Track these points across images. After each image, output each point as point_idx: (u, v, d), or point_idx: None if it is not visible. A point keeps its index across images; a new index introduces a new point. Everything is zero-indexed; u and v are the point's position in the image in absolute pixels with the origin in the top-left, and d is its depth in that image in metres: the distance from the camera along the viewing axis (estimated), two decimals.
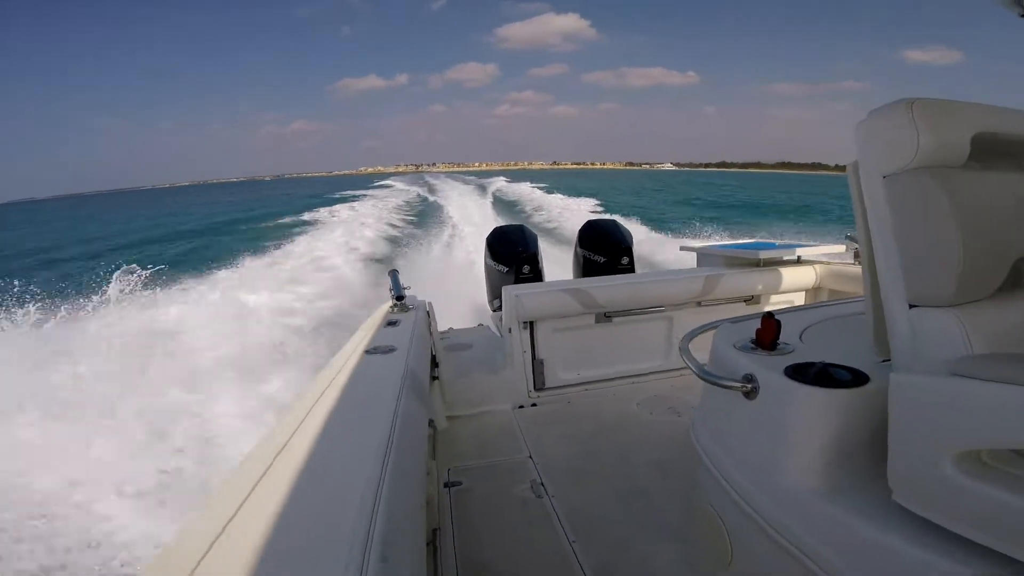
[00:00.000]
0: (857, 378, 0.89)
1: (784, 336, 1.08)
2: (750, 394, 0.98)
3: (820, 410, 0.88)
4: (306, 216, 19.41)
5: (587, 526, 1.50)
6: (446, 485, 1.73)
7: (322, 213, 19.76)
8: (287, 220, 19.42)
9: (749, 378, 0.99)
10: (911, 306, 0.82)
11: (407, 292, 2.17)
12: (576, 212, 17.04)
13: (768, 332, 1.06)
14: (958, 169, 0.82)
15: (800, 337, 1.17)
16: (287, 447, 0.84)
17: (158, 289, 6.45)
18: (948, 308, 0.78)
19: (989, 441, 0.65)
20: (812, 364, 0.93)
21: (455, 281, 6.68)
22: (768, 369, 0.97)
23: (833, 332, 1.24)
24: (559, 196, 23.09)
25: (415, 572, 0.68)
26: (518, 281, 2.91)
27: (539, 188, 28.05)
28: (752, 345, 1.09)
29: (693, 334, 1.30)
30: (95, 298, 5.98)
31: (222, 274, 8.36)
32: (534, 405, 2.39)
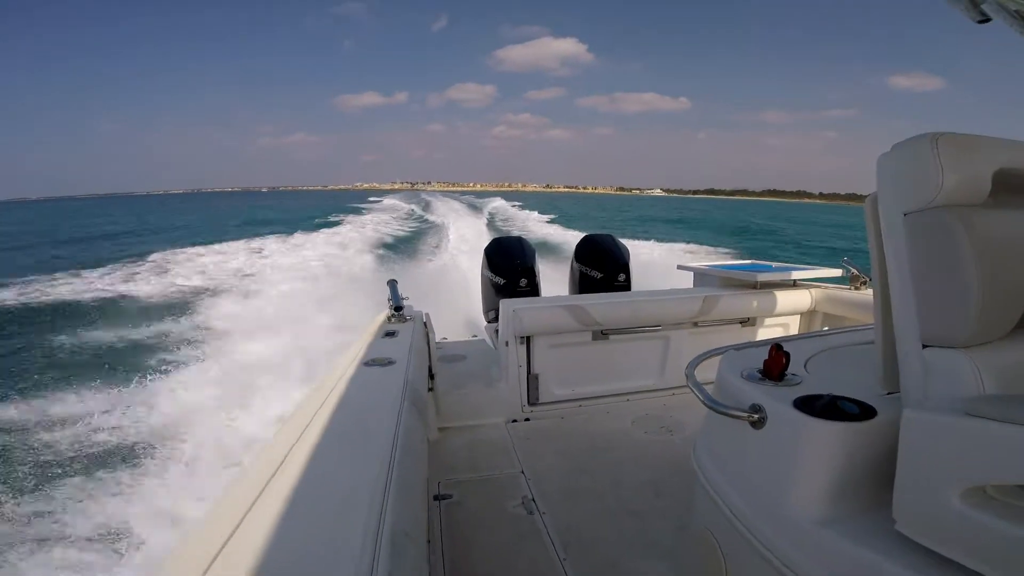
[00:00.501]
0: (865, 411, 0.89)
1: (789, 365, 1.09)
2: (757, 424, 0.98)
3: (828, 442, 0.88)
4: (330, 219, 26.11)
5: (578, 544, 1.52)
6: (436, 498, 1.75)
7: (339, 217, 26.62)
8: (318, 220, 25.90)
9: (757, 408, 0.99)
10: (925, 346, 0.83)
11: (405, 303, 2.20)
12: (533, 221, 24.43)
13: (777, 364, 1.07)
14: (978, 208, 0.81)
15: (805, 366, 1.18)
16: (288, 460, 0.86)
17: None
18: (962, 349, 0.78)
19: (998, 478, 0.66)
20: (820, 396, 0.94)
21: (448, 291, 7.46)
22: (776, 400, 0.97)
23: (837, 362, 1.24)
24: (531, 212, 29.57)
25: None
26: (515, 294, 2.99)
27: (515, 205, 35.51)
28: (759, 375, 1.09)
29: (698, 360, 1.29)
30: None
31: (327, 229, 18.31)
32: (527, 420, 2.40)
